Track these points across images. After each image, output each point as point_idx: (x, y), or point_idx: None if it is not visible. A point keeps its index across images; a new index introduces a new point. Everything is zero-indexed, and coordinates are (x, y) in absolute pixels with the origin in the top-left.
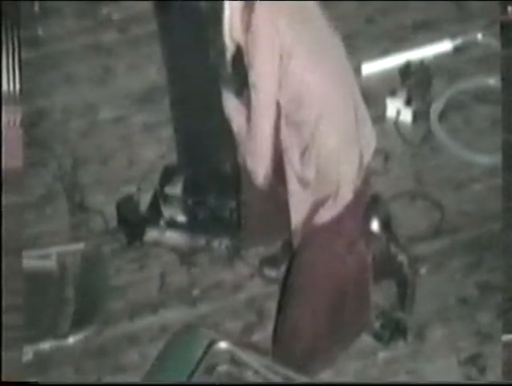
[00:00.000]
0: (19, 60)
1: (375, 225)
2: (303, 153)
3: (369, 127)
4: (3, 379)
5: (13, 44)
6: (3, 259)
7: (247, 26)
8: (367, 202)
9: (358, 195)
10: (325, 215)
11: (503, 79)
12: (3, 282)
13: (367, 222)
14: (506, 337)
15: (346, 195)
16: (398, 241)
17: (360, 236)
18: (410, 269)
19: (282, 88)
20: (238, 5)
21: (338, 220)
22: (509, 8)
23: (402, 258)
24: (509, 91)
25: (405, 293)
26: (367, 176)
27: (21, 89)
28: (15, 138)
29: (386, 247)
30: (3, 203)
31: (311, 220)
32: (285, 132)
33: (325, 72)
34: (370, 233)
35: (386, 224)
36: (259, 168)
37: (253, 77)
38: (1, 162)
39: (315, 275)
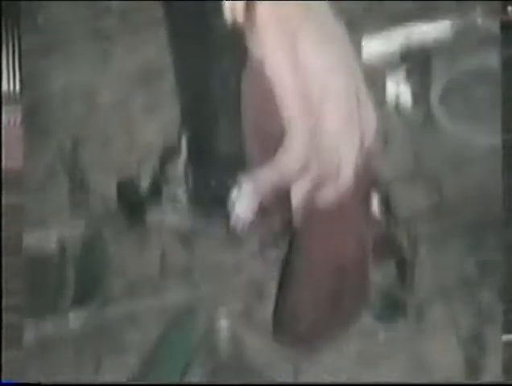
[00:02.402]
0: (19, 60)
1: (375, 207)
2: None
3: (371, 110)
4: (3, 379)
5: (13, 44)
6: (3, 257)
7: (252, 20)
8: (368, 184)
9: (359, 177)
10: (326, 196)
11: (504, 78)
12: (3, 278)
13: (367, 204)
14: (506, 337)
15: (347, 176)
16: (398, 223)
17: (360, 218)
18: (410, 250)
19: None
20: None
21: (339, 202)
22: (510, 8)
23: (401, 239)
24: (510, 91)
25: (404, 274)
26: (368, 159)
27: (21, 87)
28: (15, 138)
29: (385, 228)
30: (3, 203)
31: (311, 201)
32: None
33: (328, 57)
34: (370, 215)
35: (386, 206)
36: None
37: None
38: (1, 162)
39: (315, 256)
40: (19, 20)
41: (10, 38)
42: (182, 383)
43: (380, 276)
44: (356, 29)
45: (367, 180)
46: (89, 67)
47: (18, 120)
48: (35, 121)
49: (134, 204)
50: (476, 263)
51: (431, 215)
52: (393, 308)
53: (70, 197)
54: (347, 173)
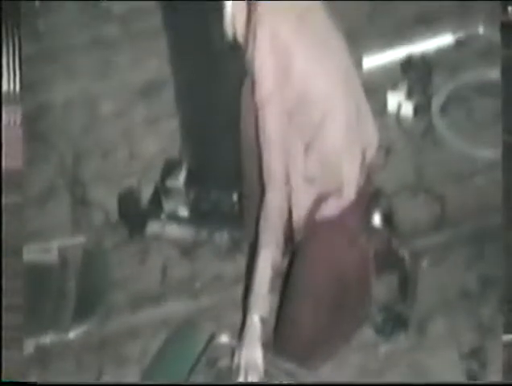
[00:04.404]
0: (20, 60)
1: (377, 220)
2: (306, 150)
3: (371, 123)
4: (3, 379)
5: (13, 44)
6: (3, 258)
7: (248, 25)
8: (369, 197)
9: (361, 191)
10: (328, 212)
11: (504, 79)
12: (3, 281)
13: (369, 217)
14: (506, 337)
15: (350, 194)
16: (400, 236)
17: (361, 231)
18: (412, 263)
19: (285, 87)
20: (241, 4)
21: (340, 216)
22: (510, 8)
23: (403, 252)
24: (510, 91)
25: (406, 287)
26: (370, 172)
27: (21, 89)
28: (15, 138)
29: (387, 241)
30: (3, 202)
31: (313, 216)
32: (288, 129)
33: (328, 71)
34: (372, 228)
35: (387, 219)
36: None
37: (254, 75)
38: (1, 161)
39: (316, 269)
40: (20, 20)
41: (10, 37)
42: (182, 383)
43: (381, 289)
44: (357, 40)
45: (368, 193)
46: (90, 77)
47: (18, 120)
48: (36, 131)
49: (134, 216)
50: (477, 276)
51: (433, 227)
52: (394, 321)
53: (71, 209)
54: (351, 190)
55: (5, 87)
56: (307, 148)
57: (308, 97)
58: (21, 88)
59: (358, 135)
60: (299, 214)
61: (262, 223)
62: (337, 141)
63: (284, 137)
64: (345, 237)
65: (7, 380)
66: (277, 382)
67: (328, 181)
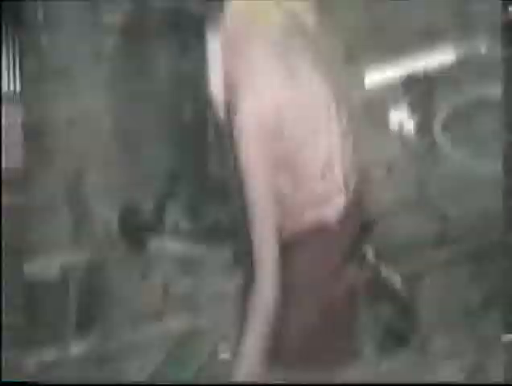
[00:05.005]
0: (19, 60)
1: (369, 253)
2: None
3: (350, 143)
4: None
5: (13, 44)
6: (3, 258)
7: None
8: (357, 226)
9: (348, 217)
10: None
11: (504, 79)
12: (3, 281)
13: (361, 249)
14: (506, 337)
15: (329, 212)
16: (389, 263)
17: (349, 260)
18: (407, 288)
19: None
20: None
21: (325, 241)
22: (510, 8)
23: (394, 282)
24: (510, 91)
25: (405, 309)
26: (359, 195)
27: (21, 89)
28: (15, 138)
29: (376, 271)
30: (3, 202)
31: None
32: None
33: (301, 104)
34: (364, 261)
35: (378, 250)
36: None
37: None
38: (1, 161)
39: (300, 292)
40: (19, 20)
41: (10, 38)
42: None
43: (382, 305)
44: (359, 57)
45: (356, 221)
46: (92, 92)
47: (19, 120)
48: (38, 147)
49: (136, 232)
50: (479, 293)
51: (435, 244)
52: (395, 338)
53: (72, 225)
54: (330, 210)
55: (5, 87)
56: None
57: (284, 132)
58: (21, 87)
59: (339, 157)
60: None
61: (250, 312)
62: (315, 167)
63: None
64: (331, 265)
65: (7, 381)
66: None
67: (305, 202)
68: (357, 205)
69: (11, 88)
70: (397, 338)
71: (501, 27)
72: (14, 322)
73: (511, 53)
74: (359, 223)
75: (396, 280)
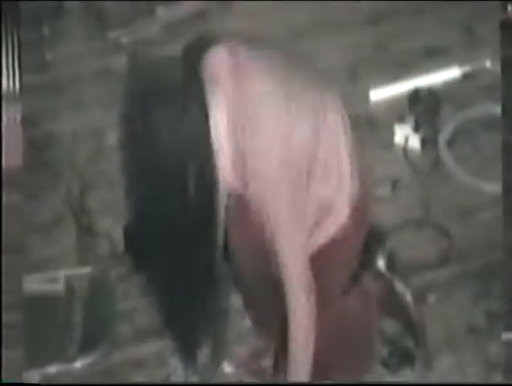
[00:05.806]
0: (19, 59)
1: (381, 264)
2: None
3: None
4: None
5: (13, 44)
6: (3, 258)
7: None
8: (368, 236)
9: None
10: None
11: (503, 79)
12: (3, 281)
13: (372, 260)
14: (506, 336)
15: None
16: (403, 275)
17: (363, 274)
18: (416, 305)
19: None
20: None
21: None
22: (510, 8)
23: (407, 297)
24: (510, 91)
25: (412, 327)
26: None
27: (21, 88)
28: (15, 137)
29: (390, 285)
30: (3, 201)
31: None
32: None
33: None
34: (376, 272)
35: (391, 262)
36: None
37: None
38: (1, 160)
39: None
40: (19, 20)
41: (9, 37)
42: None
43: (388, 323)
44: (364, 73)
45: (364, 230)
46: (98, 108)
47: (18, 118)
48: (42, 161)
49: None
50: (484, 311)
51: (439, 262)
52: (401, 355)
53: (77, 239)
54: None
55: (5, 86)
56: None
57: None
58: (20, 87)
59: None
60: None
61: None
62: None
63: None
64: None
65: (7, 381)
66: None
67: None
68: (362, 219)
69: (11, 87)
70: (402, 355)
71: (501, 27)
72: (14, 336)
73: (511, 53)
74: (365, 235)
75: (408, 295)
